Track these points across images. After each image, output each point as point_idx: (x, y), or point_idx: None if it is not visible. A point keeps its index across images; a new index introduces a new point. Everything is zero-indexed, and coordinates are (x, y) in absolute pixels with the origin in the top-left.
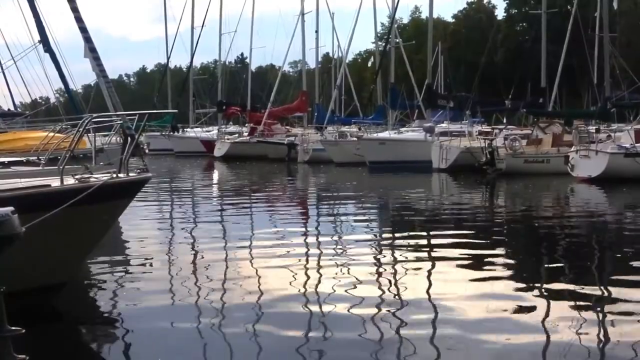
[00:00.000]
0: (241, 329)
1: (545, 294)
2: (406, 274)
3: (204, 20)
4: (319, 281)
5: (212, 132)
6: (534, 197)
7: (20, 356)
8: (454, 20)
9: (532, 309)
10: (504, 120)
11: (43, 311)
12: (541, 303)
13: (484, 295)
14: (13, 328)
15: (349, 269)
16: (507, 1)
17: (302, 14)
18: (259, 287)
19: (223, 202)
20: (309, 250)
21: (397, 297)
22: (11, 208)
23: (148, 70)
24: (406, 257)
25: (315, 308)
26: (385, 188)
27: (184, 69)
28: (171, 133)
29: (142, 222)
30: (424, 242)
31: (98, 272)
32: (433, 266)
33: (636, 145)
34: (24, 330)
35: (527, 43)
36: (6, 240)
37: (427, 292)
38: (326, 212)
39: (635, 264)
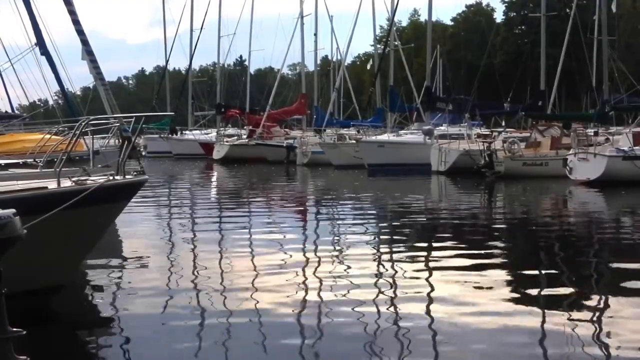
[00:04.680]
0: (239, 331)
1: (543, 296)
2: (404, 277)
3: (202, 23)
4: (317, 284)
5: (210, 134)
6: (532, 199)
7: (21, 357)
8: (453, 23)
9: (530, 311)
10: (503, 123)
11: (42, 313)
12: (539, 305)
13: (483, 297)
14: (14, 329)
15: (347, 272)
16: (506, 4)
17: (301, 16)
18: (256, 289)
19: (221, 204)
20: (307, 253)
21: (395, 300)
22: (13, 210)
23: (147, 73)
24: (404, 260)
25: (313, 310)
26: (384, 191)
27: (183, 72)
28: (170, 135)
29: (139, 225)
30: (422, 245)
31: (95, 274)
32: (431, 269)
33: (634, 148)
34: (25, 332)
35: (526, 46)
36: (8, 242)
37: (426, 294)
38: (325, 215)
39: (634, 266)
